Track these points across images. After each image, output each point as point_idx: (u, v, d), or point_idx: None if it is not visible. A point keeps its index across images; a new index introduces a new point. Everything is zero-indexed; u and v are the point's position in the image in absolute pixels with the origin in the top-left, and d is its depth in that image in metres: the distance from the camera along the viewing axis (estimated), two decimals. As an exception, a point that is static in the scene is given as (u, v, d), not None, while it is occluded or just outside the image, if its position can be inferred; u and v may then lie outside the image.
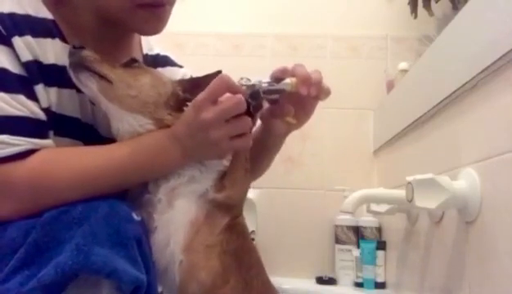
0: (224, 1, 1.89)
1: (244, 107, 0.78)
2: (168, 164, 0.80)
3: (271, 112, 0.89)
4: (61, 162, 0.77)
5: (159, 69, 1.03)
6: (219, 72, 0.82)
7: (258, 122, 0.92)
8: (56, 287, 0.65)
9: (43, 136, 0.78)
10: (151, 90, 0.82)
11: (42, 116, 0.78)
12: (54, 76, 0.81)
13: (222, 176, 0.83)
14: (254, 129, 0.88)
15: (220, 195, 0.81)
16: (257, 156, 0.95)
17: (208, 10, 1.88)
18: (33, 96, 0.78)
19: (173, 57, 1.11)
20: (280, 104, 0.87)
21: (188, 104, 0.85)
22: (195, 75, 1.12)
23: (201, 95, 0.78)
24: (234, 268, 0.79)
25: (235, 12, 1.88)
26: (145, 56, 1.03)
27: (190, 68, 1.14)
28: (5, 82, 0.75)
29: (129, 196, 0.83)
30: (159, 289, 0.80)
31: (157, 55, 1.06)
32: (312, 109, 0.90)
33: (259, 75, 0.85)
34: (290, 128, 0.91)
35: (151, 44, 1.06)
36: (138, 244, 0.71)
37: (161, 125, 0.81)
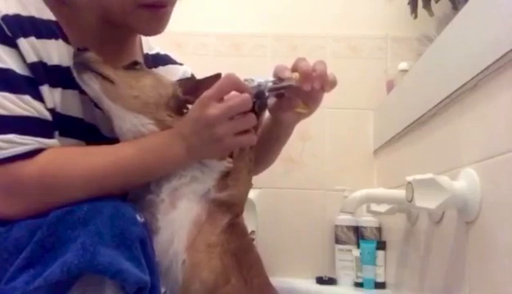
0: (224, 1, 1.89)
1: (249, 105, 0.80)
2: (173, 161, 0.81)
3: (279, 106, 0.90)
4: (70, 161, 0.78)
5: (161, 68, 1.05)
6: (219, 74, 0.84)
7: (267, 114, 0.93)
8: (61, 285, 0.65)
9: (50, 136, 0.79)
10: (152, 91, 0.84)
11: (48, 116, 0.79)
12: (58, 77, 0.82)
13: (224, 176, 0.83)
14: (260, 129, 0.89)
15: (223, 194, 0.82)
16: (266, 145, 0.97)
17: (208, 10, 1.87)
18: (39, 97, 0.78)
19: (173, 56, 1.11)
20: (287, 98, 0.87)
21: (188, 105, 0.87)
22: (195, 73, 1.13)
23: (208, 93, 0.79)
24: (235, 267, 0.80)
25: (235, 12, 1.88)
26: (146, 56, 1.04)
27: (190, 68, 1.15)
28: (11, 83, 0.76)
29: (131, 197, 0.83)
30: (162, 290, 0.80)
31: (157, 54, 1.07)
32: (319, 99, 0.89)
33: (261, 75, 0.85)
34: (300, 117, 0.92)
35: (151, 44, 1.06)
36: (142, 246, 0.71)
37: (162, 125, 0.83)
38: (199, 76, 1.12)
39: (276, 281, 0.89)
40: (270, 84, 0.84)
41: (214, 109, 0.78)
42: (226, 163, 0.84)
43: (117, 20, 0.86)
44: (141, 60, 1.01)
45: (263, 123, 0.96)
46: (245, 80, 0.82)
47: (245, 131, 0.81)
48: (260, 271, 0.85)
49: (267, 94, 0.84)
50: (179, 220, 0.79)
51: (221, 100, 0.79)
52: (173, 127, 0.82)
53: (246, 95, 0.79)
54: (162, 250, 0.78)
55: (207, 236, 0.80)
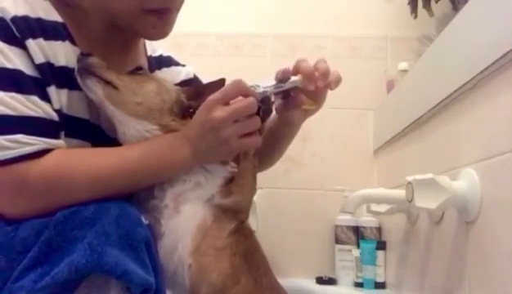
0: (224, 1, 1.89)
1: (255, 109, 0.80)
2: (179, 164, 0.82)
3: (285, 105, 0.90)
4: (76, 162, 0.78)
5: (164, 70, 1.05)
6: (223, 79, 0.84)
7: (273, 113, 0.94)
8: (68, 285, 0.66)
9: (56, 137, 0.79)
10: (156, 97, 0.84)
11: (55, 117, 0.80)
12: (65, 78, 0.82)
13: (228, 182, 0.84)
14: (264, 132, 0.90)
15: (228, 200, 0.82)
16: (272, 144, 0.97)
17: (208, 10, 1.87)
18: (46, 98, 0.79)
19: (176, 57, 1.12)
20: (293, 97, 0.88)
21: (192, 111, 0.87)
22: (198, 73, 1.13)
23: (214, 96, 0.80)
24: (243, 268, 0.81)
25: (235, 12, 1.88)
26: (150, 58, 1.04)
27: (191, 68, 1.15)
28: (20, 84, 0.76)
29: (134, 201, 0.83)
30: (168, 293, 0.80)
31: (160, 56, 1.08)
32: (324, 95, 0.91)
33: (262, 77, 0.85)
34: (307, 114, 0.93)
35: (154, 46, 1.07)
36: (147, 247, 0.72)
37: (167, 130, 0.83)
38: (200, 76, 1.12)
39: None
40: (274, 89, 0.84)
41: (220, 112, 0.78)
42: (230, 169, 0.84)
43: (122, 24, 0.87)
44: (144, 62, 1.01)
45: (270, 122, 0.97)
46: (250, 86, 0.82)
47: (250, 134, 0.82)
48: (267, 270, 0.86)
49: (272, 99, 0.84)
50: (183, 226, 0.80)
51: (226, 104, 0.79)
52: (180, 130, 0.83)
53: (252, 99, 0.79)
54: (166, 255, 0.78)
55: (213, 240, 0.80)
